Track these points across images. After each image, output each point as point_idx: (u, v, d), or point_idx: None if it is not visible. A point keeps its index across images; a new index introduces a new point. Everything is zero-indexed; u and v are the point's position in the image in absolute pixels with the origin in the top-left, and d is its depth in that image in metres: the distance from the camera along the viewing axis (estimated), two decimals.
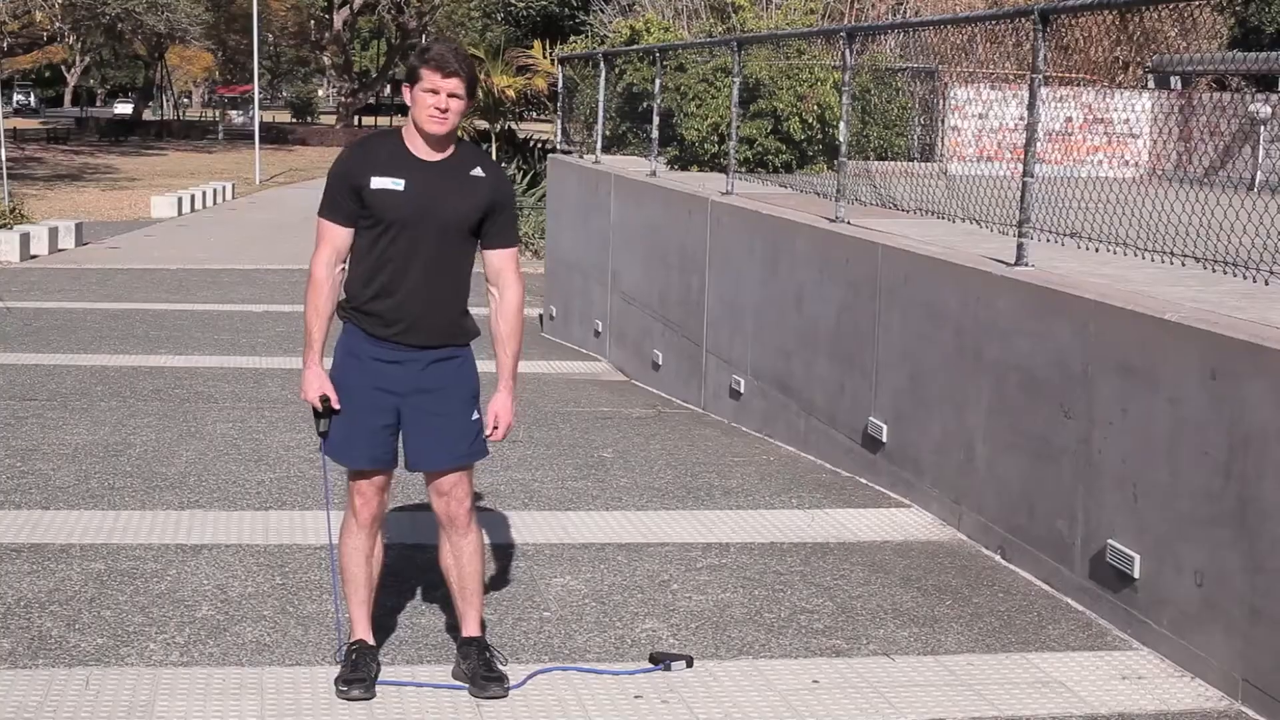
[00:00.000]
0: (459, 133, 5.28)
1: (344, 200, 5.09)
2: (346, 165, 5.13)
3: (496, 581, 6.48)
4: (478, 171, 5.16)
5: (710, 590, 6.53)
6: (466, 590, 5.33)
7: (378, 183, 5.03)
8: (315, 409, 5.16)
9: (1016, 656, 5.86)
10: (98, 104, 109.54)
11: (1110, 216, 7.85)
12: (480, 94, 28.71)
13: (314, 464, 8.42)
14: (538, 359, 13.85)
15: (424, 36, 73.65)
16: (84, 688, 5.18)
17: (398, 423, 5.18)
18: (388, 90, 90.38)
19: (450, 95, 5.00)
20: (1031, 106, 7.30)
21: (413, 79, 5.04)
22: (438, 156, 5.11)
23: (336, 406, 5.14)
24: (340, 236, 5.11)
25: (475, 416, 5.23)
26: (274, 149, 62.15)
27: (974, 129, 14.42)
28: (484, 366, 5.32)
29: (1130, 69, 17.95)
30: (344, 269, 5.17)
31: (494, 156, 27.22)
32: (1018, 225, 7.39)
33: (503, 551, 6.96)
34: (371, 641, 5.35)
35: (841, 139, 9.75)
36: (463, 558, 5.29)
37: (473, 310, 5.23)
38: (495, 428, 5.24)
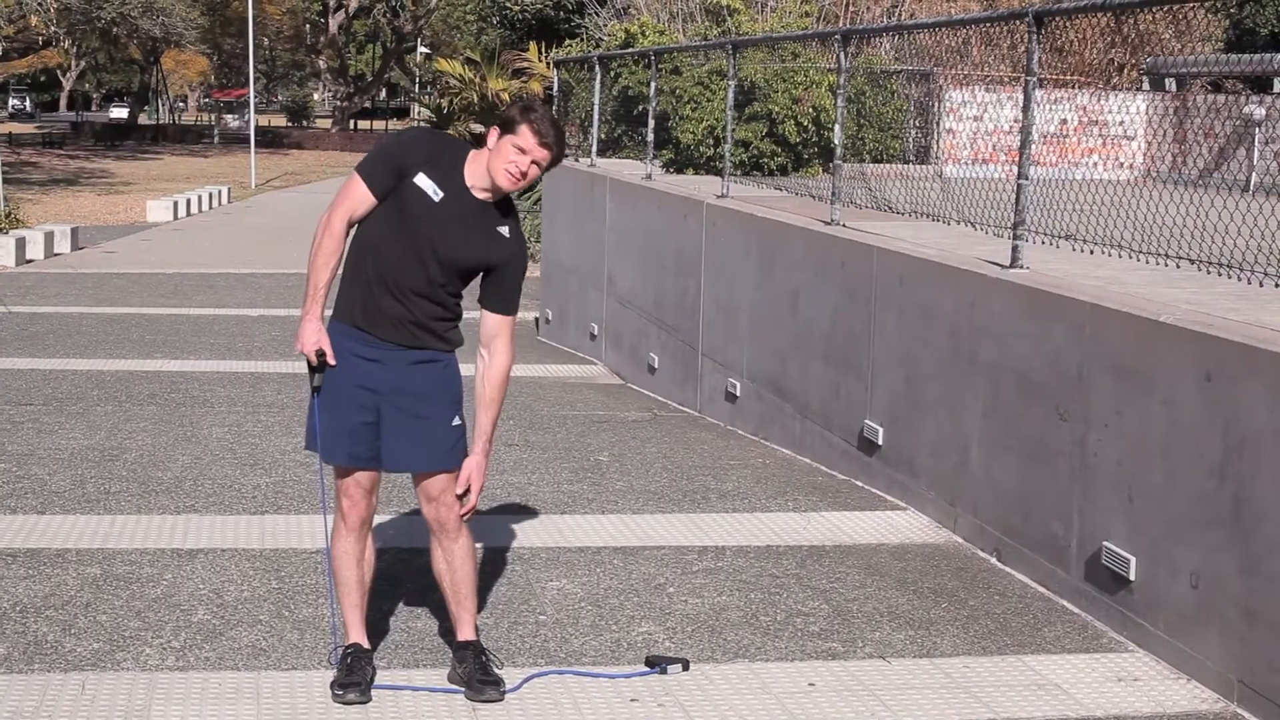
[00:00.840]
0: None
1: (386, 174, 5.05)
2: (408, 147, 5.10)
3: (492, 585, 6.48)
4: (504, 230, 5.14)
5: (706, 593, 6.53)
6: (460, 594, 5.33)
7: (422, 180, 5.02)
8: (310, 363, 5.12)
9: (1012, 659, 5.86)
10: (93, 108, 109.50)
11: (1105, 219, 7.86)
12: (475, 97, 28.74)
13: (309, 468, 8.41)
14: (533, 362, 13.85)
15: (419, 40, 73.79)
16: (80, 693, 5.18)
17: (379, 421, 5.17)
18: (383, 94, 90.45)
19: (534, 163, 5.00)
20: (1026, 109, 7.31)
21: (507, 129, 5.01)
22: (483, 197, 5.09)
23: (332, 361, 5.10)
24: (364, 200, 5.06)
25: (457, 422, 5.22)
26: (269, 153, 62.15)
27: (969, 131, 14.43)
28: (468, 372, 5.30)
29: (1125, 71, 17.96)
30: (351, 234, 5.12)
31: None
32: (1013, 227, 7.40)
33: (498, 555, 6.96)
34: (367, 645, 5.35)
35: (836, 142, 9.76)
36: (455, 562, 5.29)
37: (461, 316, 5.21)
38: (467, 491, 5.20)
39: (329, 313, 5.17)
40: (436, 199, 5.02)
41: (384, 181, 5.05)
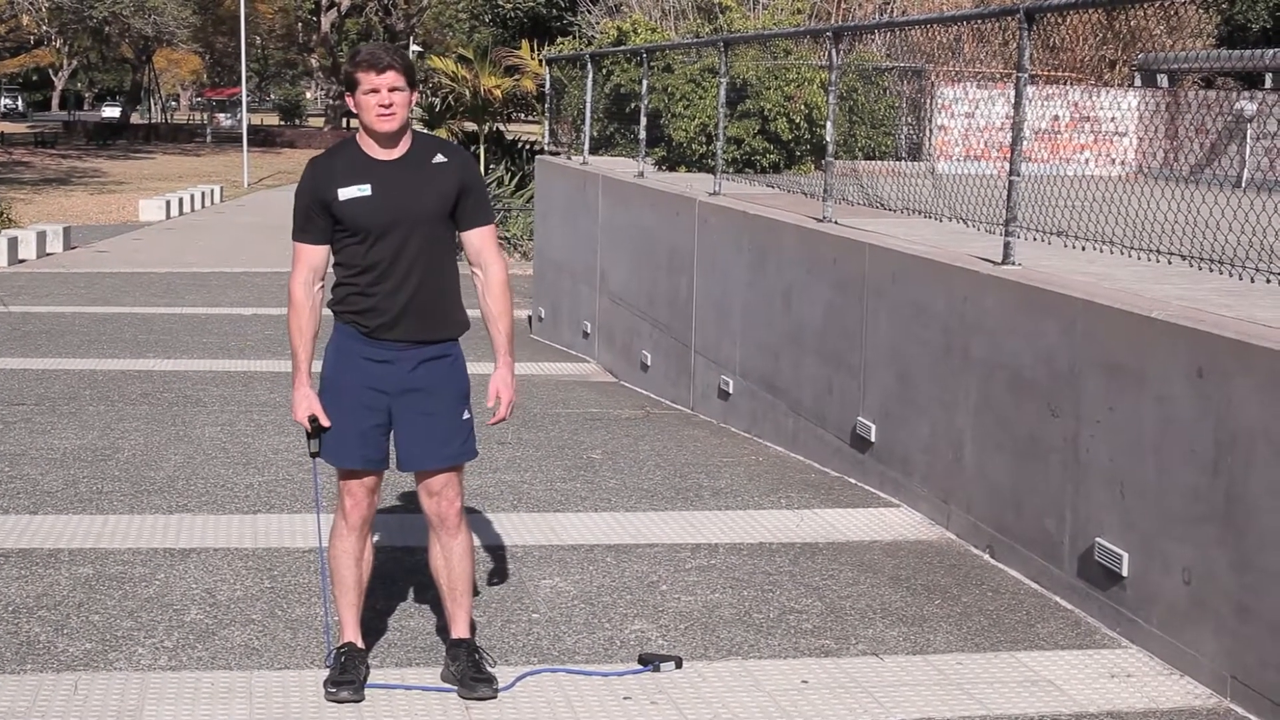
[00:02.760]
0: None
1: (316, 218, 5.09)
2: (312, 183, 5.12)
3: (485, 583, 6.48)
4: (440, 159, 5.15)
5: (699, 591, 6.53)
6: (456, 591, 5.33)
7: (345, 193, 5.04)
8: (306, 429, 5.17)
9: (1005, 655, 5.86)
10: (85, 107, 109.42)
11: (1097, 215, 7.87)
12: (468, 94, 28.72)
13: (303, 467, 8.41)
14: (526, 360, 13.84)
15: (411, 38, 73.70)
16: (72, 692, 5.17)
17: (389, 422, 5.18)
18: None
19: (391, 89, 5.00)
20: (1017, 105, 7.31)
21: (351, 85, 5.04)
22: (397, 153, 5.11)
23: (326, 424, 5.14)
24: (316, 256, 5.12)
25: (466, 416, 5.24)
26: (262, 152, 62.09)
27: (961, 128, 14.44)
28: (474, 369, 5.32)
29: (1117, 67, 17.97)
30: (322, 286, 5.17)
31: (481, 159, 27.25)
32: (1004, 224, 7.40)
33: (491, 553, 6.96)
34: (361, 644, 5.34)
35: (828, 139, 9.76)
36: (453, 558, 5.29)
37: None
38: (498, 404, 5.24)
39: (326, 312, 5.18)
40: (369, 191, 5.05)
41: (319, 226, 5.10)
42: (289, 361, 5.21)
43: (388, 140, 5.08)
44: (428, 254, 5.11)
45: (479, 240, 5.23)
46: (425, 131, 5.26)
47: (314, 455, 5.20)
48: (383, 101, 5.00)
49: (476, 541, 6.33)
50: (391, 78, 5.00)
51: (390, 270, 5.06)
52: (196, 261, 22.71)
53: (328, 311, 5.18)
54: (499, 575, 6.64)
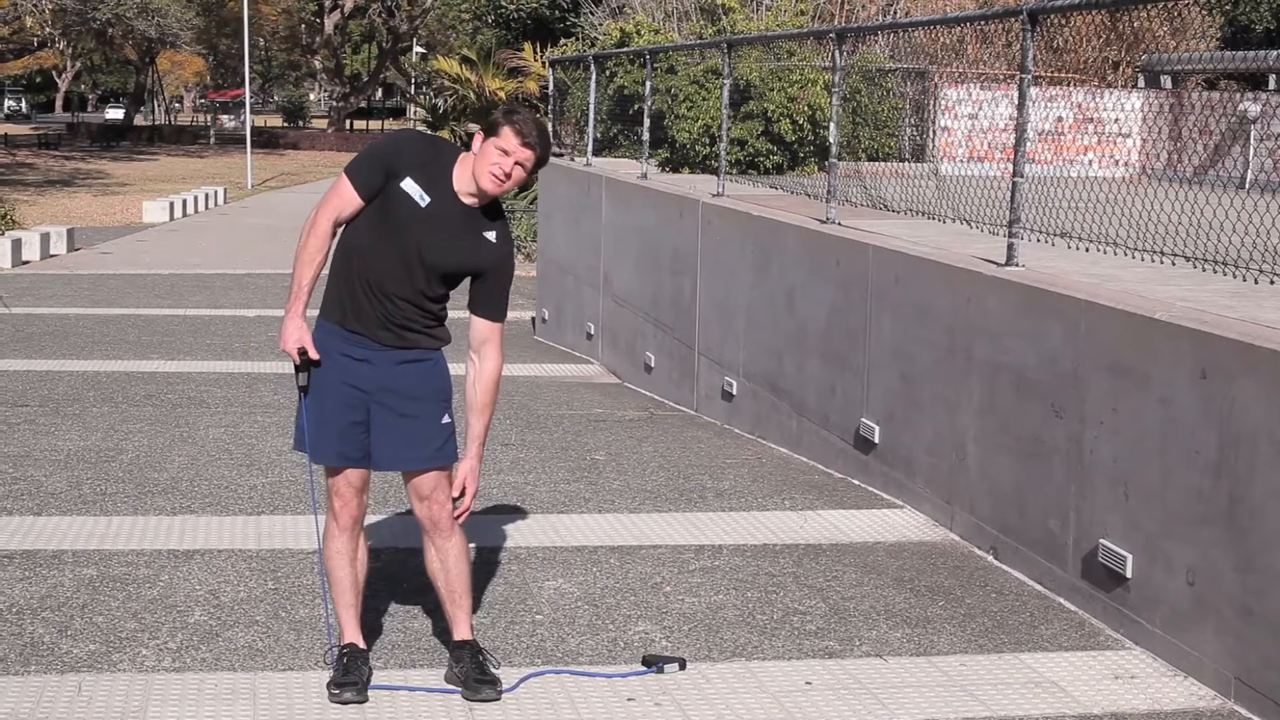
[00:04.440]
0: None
1: (374, 175, 5.04)
2: (397, 148, 5.09)
3: (488, 585, 6.47)
4: (491, 235, 5.13)
5: (703, 592, 6.53)
6: (455, 594, 5.32)
7: (409, 186, 5.01)
8: (294, 360, 5.12)
9: (1009, 657, 5.86)
10: (89, 109, 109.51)
11: (1101, 216, 7.86)
12: (472, 96, 28.72)
13: (305, 468, 8.40)
14: (530, 362, 13.85)
15: (415, 40, 73.78)
16: (76, 694, 5.18)
17: (368, 420, 5.17)
18: (379, 94, 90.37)
19: (517, 164, 4.99)
20: (1021, 106, 7.31)
21: (491, 132, 5.02)
22: (470, 203, 5.09)
23: (315, 357, 5.09)
24: (351, 201, 5.06)
25: (446, 420, 5.21)
26: (265, 153, 62.12)
27: (965, 129, 14.43)
28: (455, 370, 5.29)
29: (1120, 68, 17.97)
30: (338, 237, 5.12)
31: None
32: (1008, 225, 7.40)
33: (495, 554, 6.96)
34: (363, 645, 5.34)
35: (832, 140, 9.76)
36: (448, 561, 5.29)
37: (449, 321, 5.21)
38: (463, 496, 5.22)
39: (314, 313, 5.16)
40: (424, 204, 5.02)
41: (372, 183, 5.05)
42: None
43: (477, 193, 5.06)
44: (429, 299, 5.10)
45: (486, 331, 5.19)
46: (498, 206, 5.19)
47: (301, 389, 5.14)
48: (505, 168, 4.99)
49: (477, 543, 6.33)
50: (526, 156, 5.00)
51: (387, 285, 5.03)
52: (200, 263, 22.72)
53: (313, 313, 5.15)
54: (503, 577, 6.64)
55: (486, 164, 5.00)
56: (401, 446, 5.15)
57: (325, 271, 5.16)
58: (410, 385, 5.13)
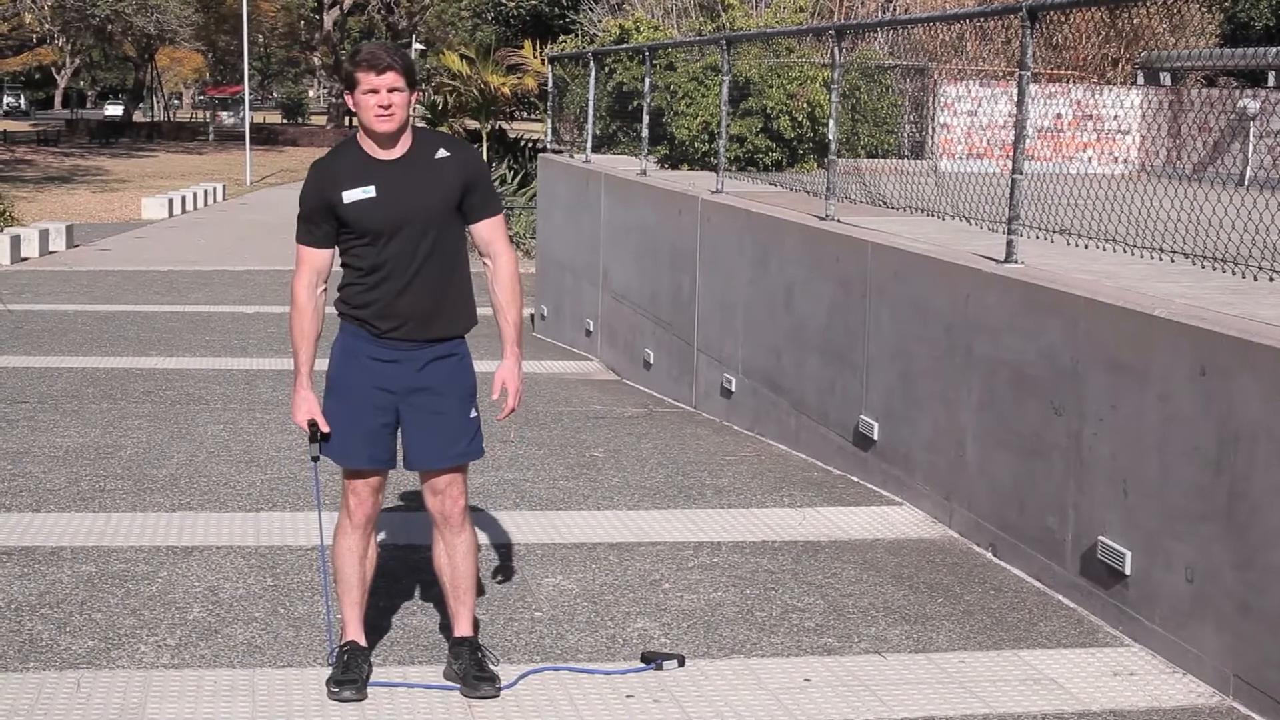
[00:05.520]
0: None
1: (320, 221, 5.08)
2: (316, 187, 5.10)
3: (488, 582, 6.48)
4: (442, 153, 5.13)
5: (702, 589, 6.53)
6: (460, 589, 5.33)
7: (349, 196, 5.02)
8: (309, 432, 5.16)
9: (1008, 654, 5.86)
10: (88, 106, 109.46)
11: (1100, 213, 7.86)
12: (472, 92, 28.71)
13: (305, 465, 8.41)
14: (529, 359, 13.83)
15: (414, 36, 73.71)
16: (75, 690, 5.18)
17: (396, 422, 5.18)
18: None
19: (390, 90, 4.98)
20: (1020, 103, 7.30)
21: (351, 85, 5.02)
22: (398, 152, 5.09)
23: (325, 429, 5.14)
24: (320, 259, 5.12)
25: (473, 415, 5.24)
26: (264, 150, 62.10)
27: (964, 126, 14.43)
28: (480, 366, 5.32)
29: (1120, 65, 17.96)
30: (324, 290, 5.16)
31: (485, 156, 27.22)
32: (1007, 222, 7.40)
33: (494, 551, 6.96)
34: (363, 642, 5.34)
35: (831, 137, 9.76)
36: (456, 556, 5.29)
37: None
38: (506, 397, 5.23)
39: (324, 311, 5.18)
40: (374, 193, 5.03)
41: (322, 230, 5.09)
42: (291, 360, 5.20)
43: (387, 140, 5.06)
44: (438, 251, 5.10)
45: (488, 231, 5.22)
46: (426, 127, 5.24)
47: (314, 459, 5.19)
48: (382, 102, 4.98)
49: (481, 540, 6.32)
50: (391, 78, 4.98)
51: (399, 270, 5.05)
52: (199, 260, 22.72)
53: (331, 311, 5.16)
54: (502, 573, 6.64)
55: (369, 111, 4.99)
56: (433, 445, 5.17)
57: (337, 277, 5.18)
58: (439, 383, 5.15)
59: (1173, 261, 7.22)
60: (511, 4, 34.66)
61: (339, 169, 5.09)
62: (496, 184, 25.84)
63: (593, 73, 15.99)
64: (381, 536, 6.79)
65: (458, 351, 5.22)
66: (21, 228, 23.95)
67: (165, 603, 6.13)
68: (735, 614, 6.21)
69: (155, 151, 62.75)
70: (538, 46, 28.27)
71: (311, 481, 7.88)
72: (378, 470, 5.24)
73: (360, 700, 5.14)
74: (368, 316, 5.10)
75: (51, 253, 23.31)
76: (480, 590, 6.07)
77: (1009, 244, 7.34)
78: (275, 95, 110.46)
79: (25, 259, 22.23)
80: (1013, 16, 7.64)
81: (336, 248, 5.15)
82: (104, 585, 6.32)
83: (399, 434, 5.22)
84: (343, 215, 5.03)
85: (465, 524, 5.30)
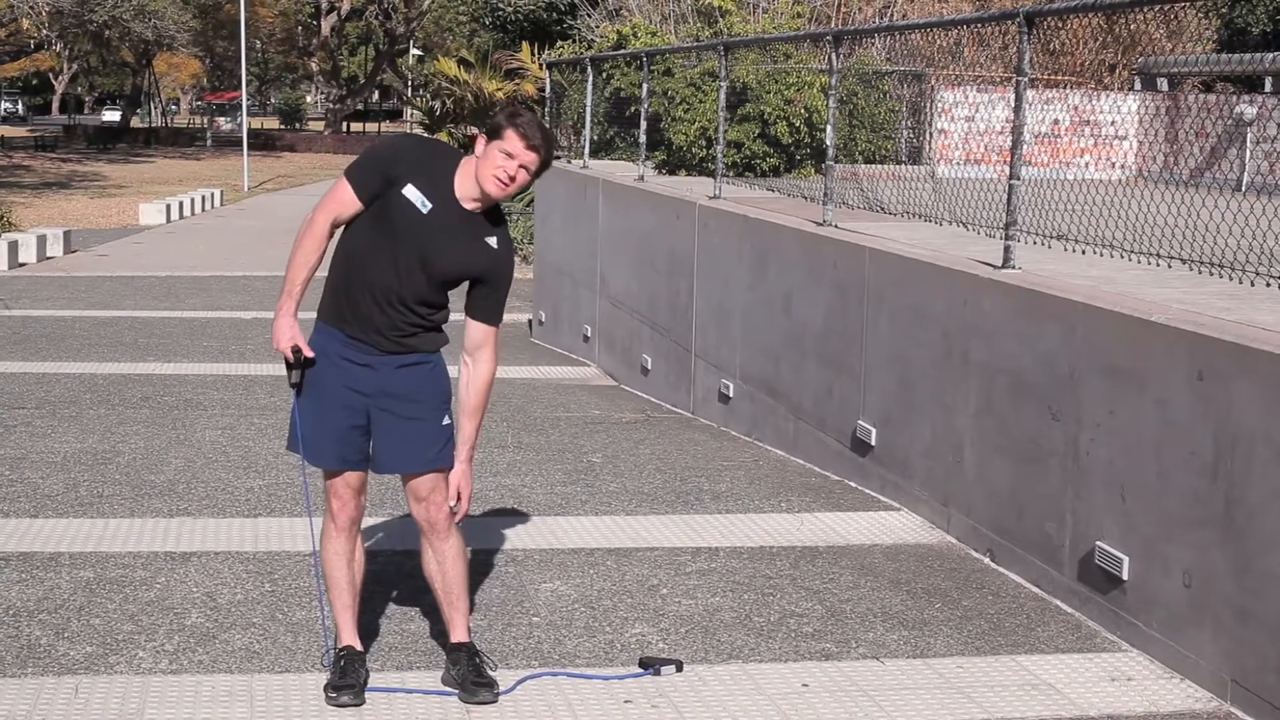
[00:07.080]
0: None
1: (374, 180, 5.02)
2: (397, 153, 5.07)
3: (485, 587, 6.48)
4: (492, 241, 5.10)
5: (699, 594, 6.53)
6: (452, 595, 5.32)
7: (411, 191, 4.99)
8: (286, 359, 5.11)
9: (1006, 659, 5.86)
10: (85, 111, 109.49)
11: (1097, 219, 7.87)
12: (470, 98, 28.71)
13: (301, 471, 8.40)
14: (527, 364, 13.85)
15: (411, 42, 73.77)
16: (73, 696, 5.17)
17: (368, 424, 5.16)
18: (376, 96, 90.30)
19: (521, 167, 4.96)
20: (1017, 109, 7.31)
21: (494, 135, 4.98)
22: (471, 209, 5.06)
23: (309, 354, 5.08)
24: (350, 204, 5.05)
25: (446, 422, 5.20)
26: (262, 155, 62.05)
27: (961, 131, 14.45)
28: (455, 373, 5.29)
29: (1117, 71, 17.99)
30: (336, 245, 5.12)
31: None
32: (1004, 228, 7.41)
33: (491, 557, 6.96)
34: (359, 647, 5.34)
35: (829, 142, 9.77)
36: (445, 563, 5.28)
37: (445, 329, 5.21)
38: (458, 500, 5.22)
39: (312, 314, 5.16)
40: (425, 210, 4.99)
41: (371, 188, 5.02)
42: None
43: (481, 198, 5.03)
44: (425, 304, 5.07)
45: (481, 336, 5.16)
46: (500, 212, 5.15)
47: (294, 386, 5.13)
48: (509, 170, 4.95)
49: (474, 545, 6.33)
50: (530, 157, 4.96)
51: (385, 295, 5.02)
52: (197, 265, 22.71)
53: (306, 316, 5.14)
54: (499, 579, 6.64)
55: (490, 167, 4.97)
56: (403, 450, 5.15)
57: (321, 274, 5.16)
58: (411, 388, 5.12)
59: (1170, 267, 7.22)
60: (509, 9, 34.68)
61: (427, 165, 5.04)
62: None
63: (590, 78, 16.00)
64: (377, 542, 6.80)
65: (431, 360, 5.19)
66: (19, 233, 23.93)
67: (163, 608, 6.13)
68: (733, 619, 6.21)
69: (153, 157, 62.72)
70: (535, 52, 28.29)
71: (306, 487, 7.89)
72: (353, 470, 5.22)
73: (358, 705, 5.14)
74: (341, 317, 5.07)
75: (49, 258, 23.29)
76: (475, 596, 6.08)
77: (1006, 249, 7.35)
78: (273, 101, 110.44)
79: (23, 264, 22.22)
80: (1010, 22, 7.65)
81: (340, 231, 5.09)
82: (102, 591, 6.32)
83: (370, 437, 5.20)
84: (388, 197, 4.99)
85: (451, 530, 5.27)
